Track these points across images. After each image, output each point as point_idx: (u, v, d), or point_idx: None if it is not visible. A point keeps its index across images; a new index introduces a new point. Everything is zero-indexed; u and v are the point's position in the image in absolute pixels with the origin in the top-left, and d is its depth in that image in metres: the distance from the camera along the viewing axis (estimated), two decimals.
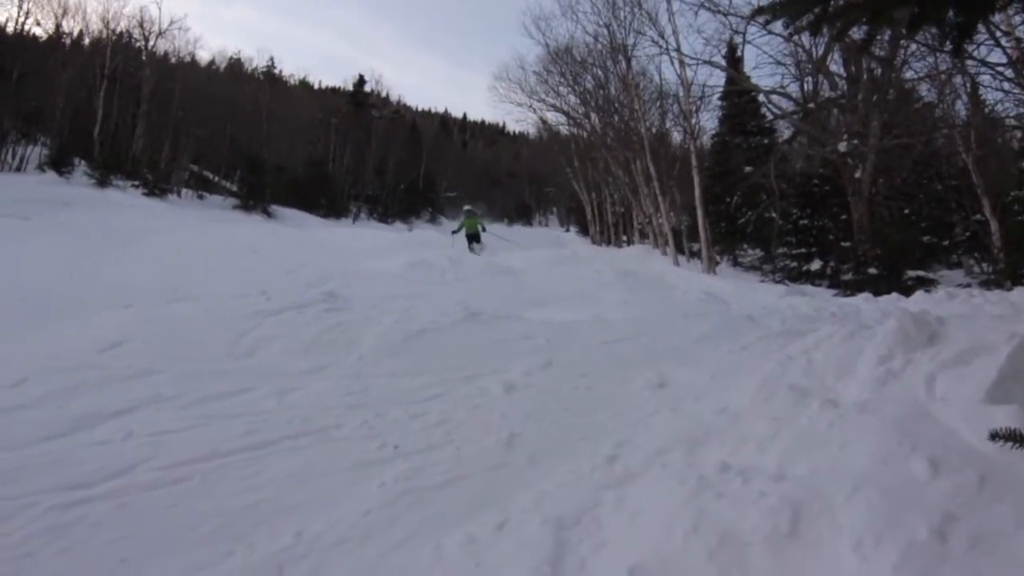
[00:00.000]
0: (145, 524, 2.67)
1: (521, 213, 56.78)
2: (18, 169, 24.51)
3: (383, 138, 43.71)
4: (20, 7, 28.25)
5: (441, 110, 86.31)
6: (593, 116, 27.52)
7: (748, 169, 20.40)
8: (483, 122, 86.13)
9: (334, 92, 55.81)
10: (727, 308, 8.41)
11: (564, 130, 32.25)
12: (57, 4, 30.22)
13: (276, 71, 49.45)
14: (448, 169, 53.22)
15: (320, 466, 3.23)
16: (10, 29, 27.86)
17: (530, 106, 29.76)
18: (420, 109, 78.53)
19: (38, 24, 29.59)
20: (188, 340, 4.67)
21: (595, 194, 33.32)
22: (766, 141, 23.12)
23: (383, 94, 52.51)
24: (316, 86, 61.82)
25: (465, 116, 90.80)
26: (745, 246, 23.18)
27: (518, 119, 77.30)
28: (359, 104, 44.10)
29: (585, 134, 29.89)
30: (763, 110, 22.66)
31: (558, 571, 2.32)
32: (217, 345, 4.66)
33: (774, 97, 18.20)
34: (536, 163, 49.01)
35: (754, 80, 19.61)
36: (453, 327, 5.53)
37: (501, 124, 69.69)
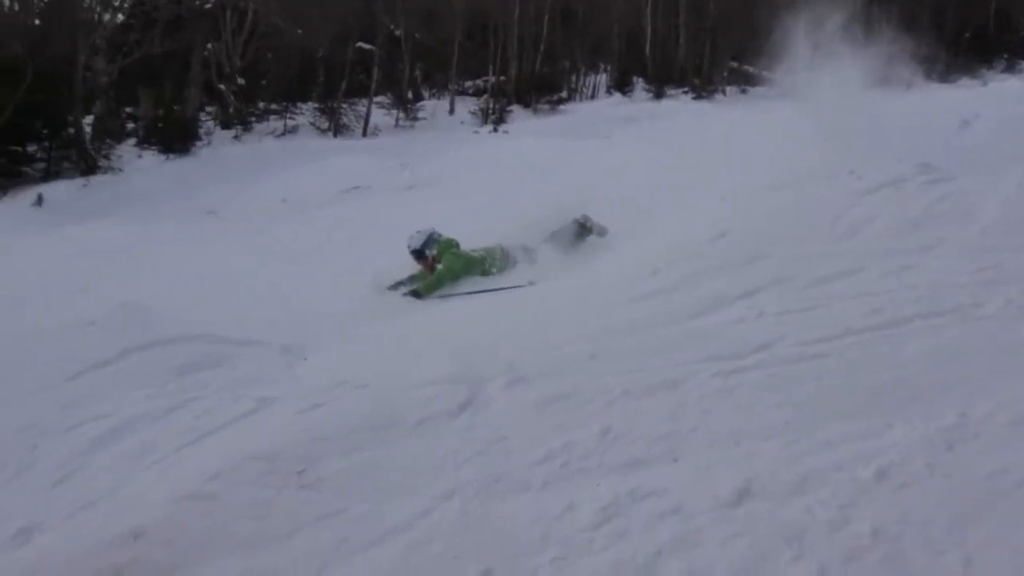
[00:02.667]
0: (797, 393, 2.87)
1: None
2: (591, 96, 28.56)
3: None
4: None
5: None
6: None
7: None
8: None
9: None
10: None
11: None
12: None
13: None
14: None
15: (966, 346, 3.00)
16: None
17: None
18: None
19: None
20: (786, 226, 4.80)
21: None
22: None
23: None
24: None
25: None
26: None
27: None
28: None
29: None
30: None
31: None
32: (816, 228, 4.68)
33: None
34: None
35: None
36: None
37: None
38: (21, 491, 2.99)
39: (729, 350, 3.27)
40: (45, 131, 17.32)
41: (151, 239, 9.67)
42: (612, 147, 13.89)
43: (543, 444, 2.75)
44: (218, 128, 22.59)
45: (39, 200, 14.84)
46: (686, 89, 26.59)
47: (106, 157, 17.93)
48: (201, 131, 20.84)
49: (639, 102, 25.13)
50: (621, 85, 27.41)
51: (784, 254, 4.38)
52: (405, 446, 2.88)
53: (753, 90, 28.77)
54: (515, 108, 25.74)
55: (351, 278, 6.27)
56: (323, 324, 5.07)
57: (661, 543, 2.12)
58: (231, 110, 23.41)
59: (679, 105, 23.37)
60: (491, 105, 25.68)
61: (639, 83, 27.50)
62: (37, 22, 21.50)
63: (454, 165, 14.63)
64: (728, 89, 28.89)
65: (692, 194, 6.37)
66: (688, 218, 5.52)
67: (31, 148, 17.43)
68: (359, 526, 2.41)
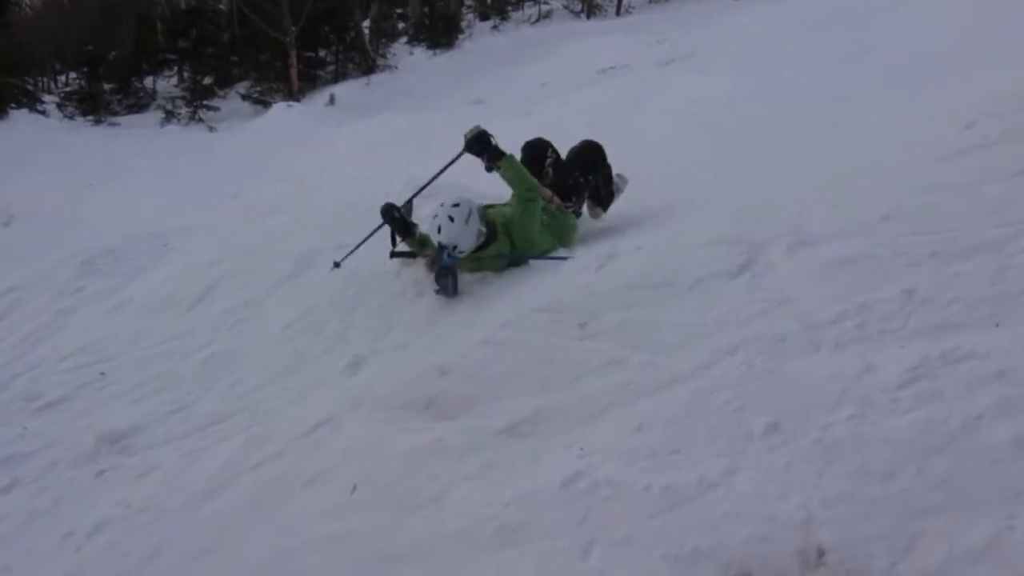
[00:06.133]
0: None
1: None
2: None
3: None
4: None
5: None
6: None
7: None
8: None
9: None
10: None
11: None
12: None
13: None
14: None
15: None
16: None
17: None
18: None
19: None
20: None
21: None
22: None
23: None
24: None
25: None
26: None
27: None
28: None
29: None
30: None
31: None
32: None
33: None
34: None
35: None
36: None
37: None
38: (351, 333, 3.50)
39: None
40: (332, 35, 19.17)
41: (427, 128, 10.42)
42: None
43: (834, 306, 2.57)
44: (477, 20, 23.29)
45: (331, 100, 16.65)
46: None
47: (383, 56, 19.47)
48: (463, 24, 21.66)
49: None
50: None
51: None
52: (682, 304, 2.87)
53: None
54: None
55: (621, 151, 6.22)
56: None
57: (983, 407, 1.90)
58: (489, 1, 23.93)
59: None
60: None
61: None
62: None
63: (713, 36, 13.70)
64: None
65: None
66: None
67: (322, 53, 19.48)
68: (641, 373, 2.48)
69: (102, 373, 3.81)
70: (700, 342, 2.58)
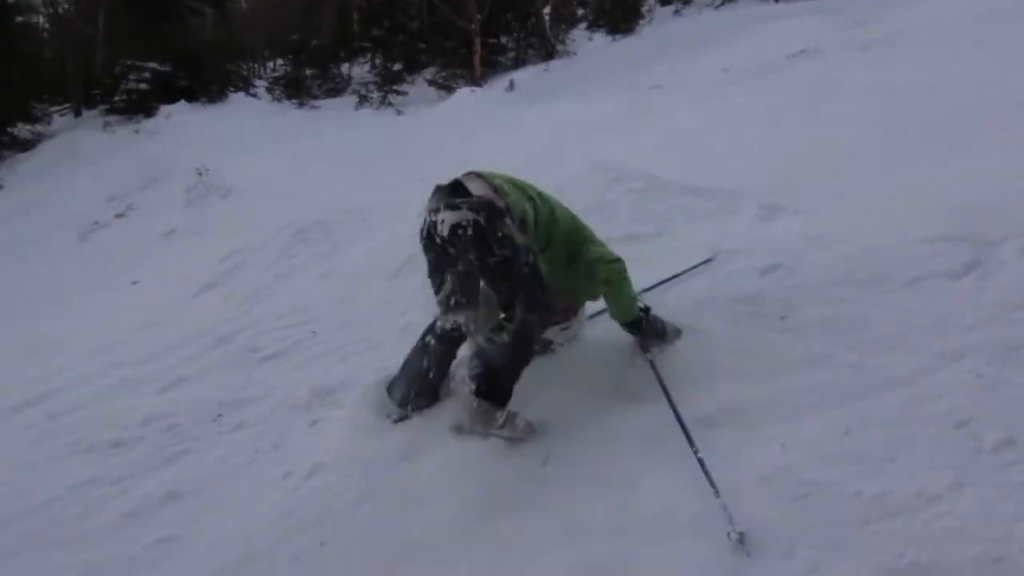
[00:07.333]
0: None
1: None
2: None
3: None
4: None
5: None
6: None
7: None
8: None
9: None
10: None
11: None
12: None
13: None
14: None
15: None
16: None
17: None
18: None
19: None
20: None
21: None
22: None
23: None
24: None
25: None
26: None
27: None
28: None
29: None
30: None
31: None
32: None
33: None
34: None
35: None
36: None
37: None
38: None
39: None
40: (514, 23, 19.59)
41: (607, 112, 10.39)
42: None
43: None
44: (658, 5, 22.83)
45: (511, 85, 17.00)
46: None
47: (562, 42, 19.63)
48: (643, 9, 21.33)
49: None
50: None
51: None
52: (895, 303, 2.70)
53: None
54: None
55: (814, 141, 5.89)
56: (800, 182, 4.82)
57: None
58: None
59: None
60: None
61: None
62: None
63: (923, 18, 12.46)
64: None
65: None
66: None
67: (504, 40, 19.97)
68: (850, 373, 2.37)
69: (313, 332, 4.18)
70: (918, 345, 2.42)
